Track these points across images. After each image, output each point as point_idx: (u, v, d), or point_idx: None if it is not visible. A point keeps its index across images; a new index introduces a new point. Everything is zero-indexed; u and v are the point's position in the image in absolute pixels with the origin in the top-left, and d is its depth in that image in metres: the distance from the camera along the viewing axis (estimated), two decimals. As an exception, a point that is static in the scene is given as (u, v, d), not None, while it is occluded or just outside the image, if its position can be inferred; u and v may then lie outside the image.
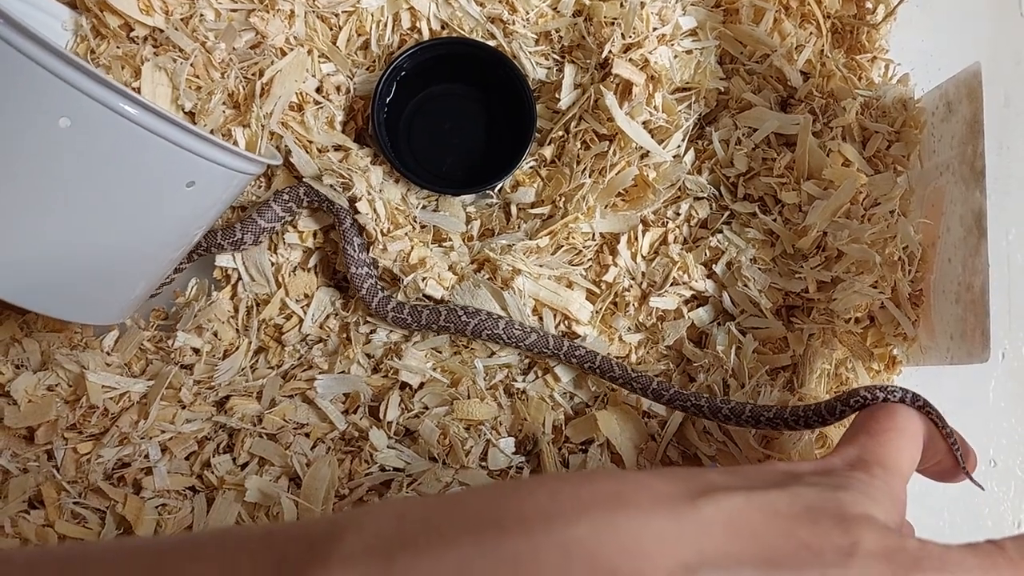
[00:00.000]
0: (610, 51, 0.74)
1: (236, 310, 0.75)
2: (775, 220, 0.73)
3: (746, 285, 0.72)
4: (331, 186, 0.72)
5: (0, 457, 0.69)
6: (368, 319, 0.75)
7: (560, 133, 0.78)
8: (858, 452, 0.43)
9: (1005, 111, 0.64)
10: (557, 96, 0.78)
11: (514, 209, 0.79)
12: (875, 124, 0.73)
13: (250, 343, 0.75)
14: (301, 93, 0.75)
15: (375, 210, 0.73)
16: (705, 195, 0.76)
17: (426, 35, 0.78)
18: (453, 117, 0.79)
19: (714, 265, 0.74)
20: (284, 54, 0.75)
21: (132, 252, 0.64)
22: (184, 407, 0.71)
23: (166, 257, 0.68)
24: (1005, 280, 0.64)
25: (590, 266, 0.76)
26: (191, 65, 0.73)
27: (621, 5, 0.76)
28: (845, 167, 0.72)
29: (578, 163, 0.76)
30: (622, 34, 0.74)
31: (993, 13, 0.69)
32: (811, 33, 0.78)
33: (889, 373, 0.74)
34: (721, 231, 0.74)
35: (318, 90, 0.77)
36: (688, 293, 0.74)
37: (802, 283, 0.71)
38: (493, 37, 0.78)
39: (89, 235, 0.61)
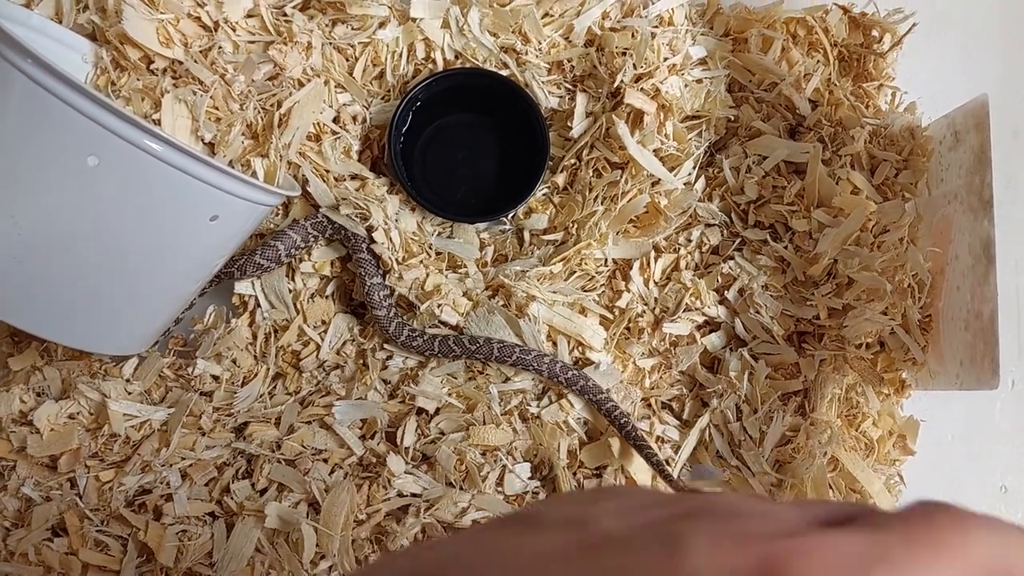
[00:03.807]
0: (622, 80, 0.75)
1: (254, 337, 0.76)
2: (786, 247, 0.74)
3: (758, 312, 0.73)
4: (348, 216, 0.73)
5: (23, 485, 0.70)
6: (385, 345, 0.76)
7: (572, 161, 0.79)
8: None
9: (1013, 144, 0.65)
10: (569, 124, 0.79)
11: (527, 235, 0.80)
12: (883, 152, 0.75)
13: (268, 370, 0.76)
14: (318, 123, 0.76)
15: (391, 239, 0.74)
16: (716, 222, 0.77)
17: (440, 65, 0.80)
18: (467, 146, 0.80)
19: (726, 291, 0.75)
20: (301, 85, 0.76)
21: (155, 284, 0.65)
22: (204, 434, 0.72)
23: (187, 288, 0.69)
24: (1014, 308, 0.65)
25: (603, 292, 0.78)
26: (211, 97, 0.74)
27: (633, 35, 0.77)
28: (854, 195, 0.73)
29: (590, 190, 0.77)
30: (634, 64, 0.75)
31: (1000, 45, 0.70)
32: (818, 61, 0.79)
33: (899, 397, 0.75)
34: (732, 258, 0.75)
35: (335, 120, 0.78)
36: (701, 319, 0.75)
37: (813, 310, 0.72)
38: (506, 67, 0.80)
39: (113, 268, 0.62)
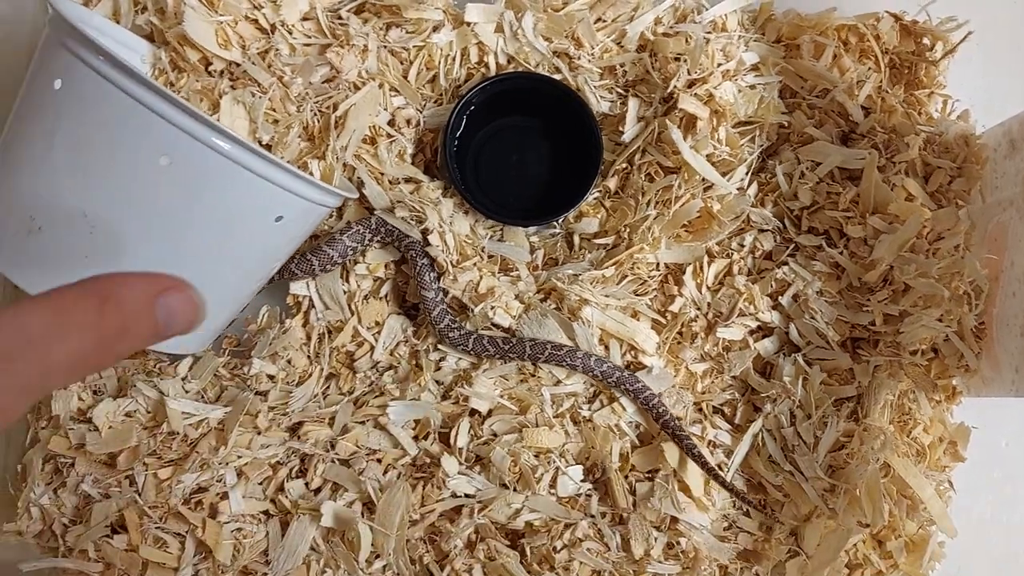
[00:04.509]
0: (675, 86, 0.75)
1: (308, 337, 0.77)
2: (841, 253, 0.74)
3: (813, 317, 0.73)
4: (404, 218, 0.74)
5: (82, 482, 0.70)
6: (438, 346, 0.76)
7: (624, 165, 0.79)
8: None
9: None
10: (620, 129, 0.79)
11: (577, 239, 0.81)
12: (938, 160, 0.75)
13: (322, 370, 0.76)
14: (374, 126, 0.77)
15: (445, 242, 0.75)
16: (769, 227, 0.77)
17: (493, 69, 0.80)
18: (519, 149, 0.81)
19: (780, 297, 0.75)
20: (357, 88, 0.77)
21: (219, 284, 0.65)
22: (259, 432, 0.73)
23: (249, 288, 0.69)
24: (1073, 316, 0.65)
25: (655, 296, 0.78)
26: (268, 99, 0.74)
27: (687, 41, 0.77)
28: (909, 202, 0.73)
29: (643, 195, 0.77)
30: (688, 70, 0.76)
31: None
32: (870, 68, 0.80)
33: (949, 403, 0.75)
34: (786, 263, 0.75)
35: (390, 123, 0.78)
36: (754, 324, 0.75)
37: (869, 316, 0.72)
38: (559, 71, 0.80)
39: (180, 268, 0.62)
